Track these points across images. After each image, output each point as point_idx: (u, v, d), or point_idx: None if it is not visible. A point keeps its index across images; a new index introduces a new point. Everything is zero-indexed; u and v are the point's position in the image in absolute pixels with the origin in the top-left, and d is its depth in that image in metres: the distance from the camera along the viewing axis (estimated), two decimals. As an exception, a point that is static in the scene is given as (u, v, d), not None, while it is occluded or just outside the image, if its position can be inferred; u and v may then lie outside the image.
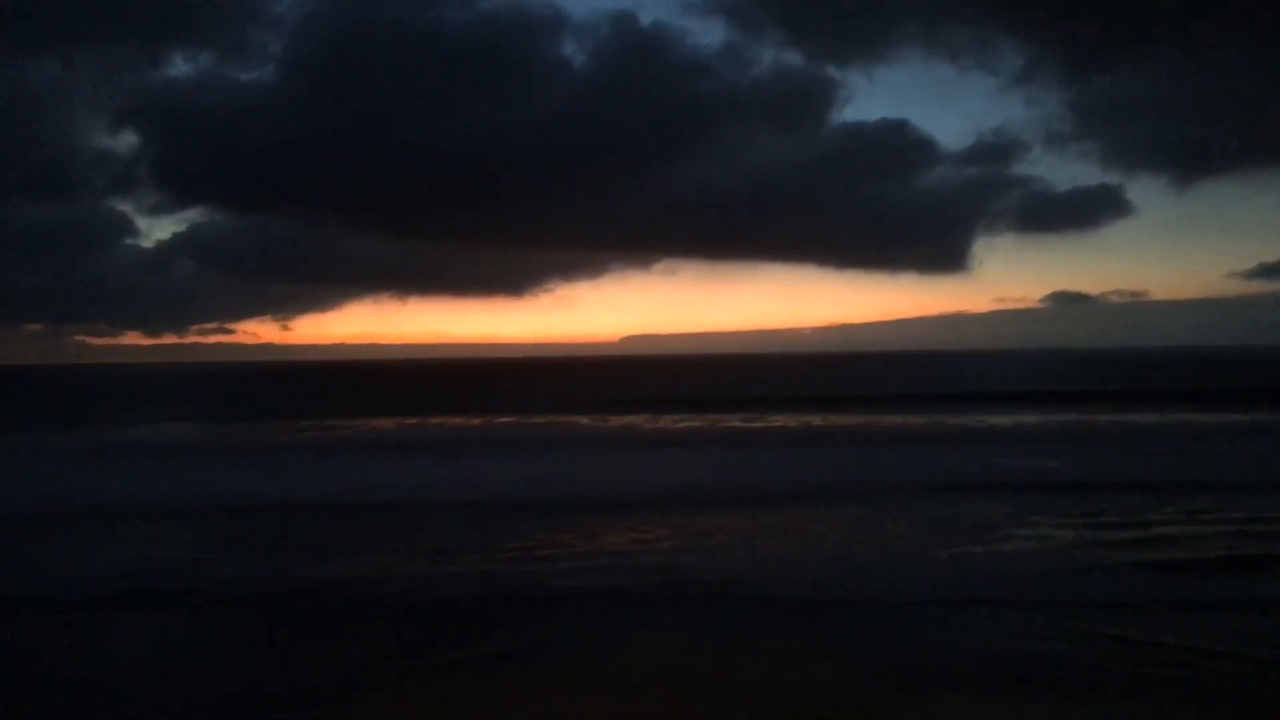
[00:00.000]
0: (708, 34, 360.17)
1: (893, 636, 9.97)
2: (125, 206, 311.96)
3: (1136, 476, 20.74)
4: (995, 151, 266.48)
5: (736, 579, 12.30)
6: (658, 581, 12.29)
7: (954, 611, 10.72)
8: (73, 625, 10.94)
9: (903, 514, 16.76)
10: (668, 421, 40.38)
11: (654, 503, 18.27)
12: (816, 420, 39.34)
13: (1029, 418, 38.90)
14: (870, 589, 11.73)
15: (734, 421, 39.99)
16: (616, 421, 40.62)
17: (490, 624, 10.65)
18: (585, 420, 41.63)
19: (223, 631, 10.73)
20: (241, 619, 11.14)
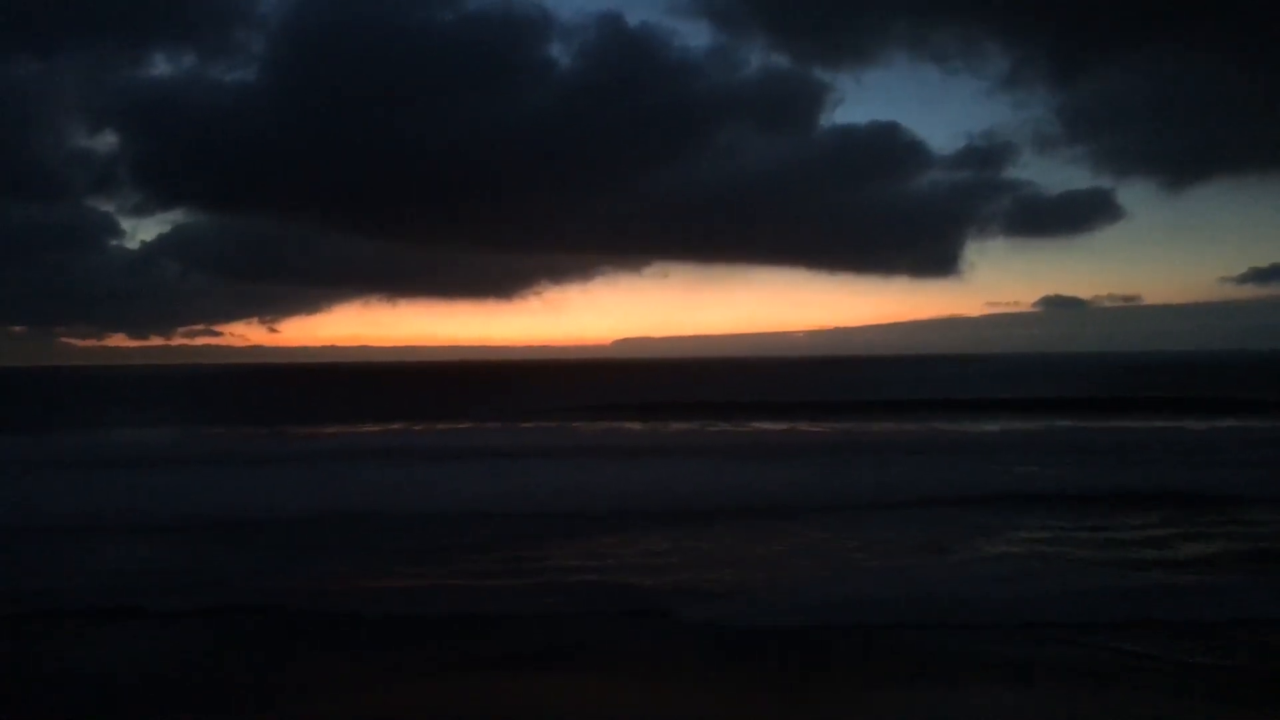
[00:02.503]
0: (695, 35, 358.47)
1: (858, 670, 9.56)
2: (108, 207, 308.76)
3: (1132, 487, 20.36)
4: (985, 155, 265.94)
5: (695, 600, 11.75)
6: (604, 599, 11.87)
7: (929, 636, 10.32)
8: (32, 639, 10.54)
9: (890, 530, 16.40)
10: (658, 426, 39.96)
11: (635, 515, 17.81)
12: (808, 426, 38.95)
13: (1022, 424, 38.58)
14: (843, 613, 11.24)
15: (726, 427, 39.60)
16: (605, 427, 40.18)
17: (425, 643, 10.24)
18: (574, 425, 41.16)
19: (177, 645, 10.35)
20: (195, 632, 10.75)
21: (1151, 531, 15.87)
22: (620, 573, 13.25)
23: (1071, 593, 11.84)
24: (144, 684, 9.19)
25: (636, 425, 40.86)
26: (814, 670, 9.39)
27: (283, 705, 8.53)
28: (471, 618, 11.20)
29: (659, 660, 9.70)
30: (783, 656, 9.74)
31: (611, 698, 8.66)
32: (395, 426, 41.65)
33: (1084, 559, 13.87)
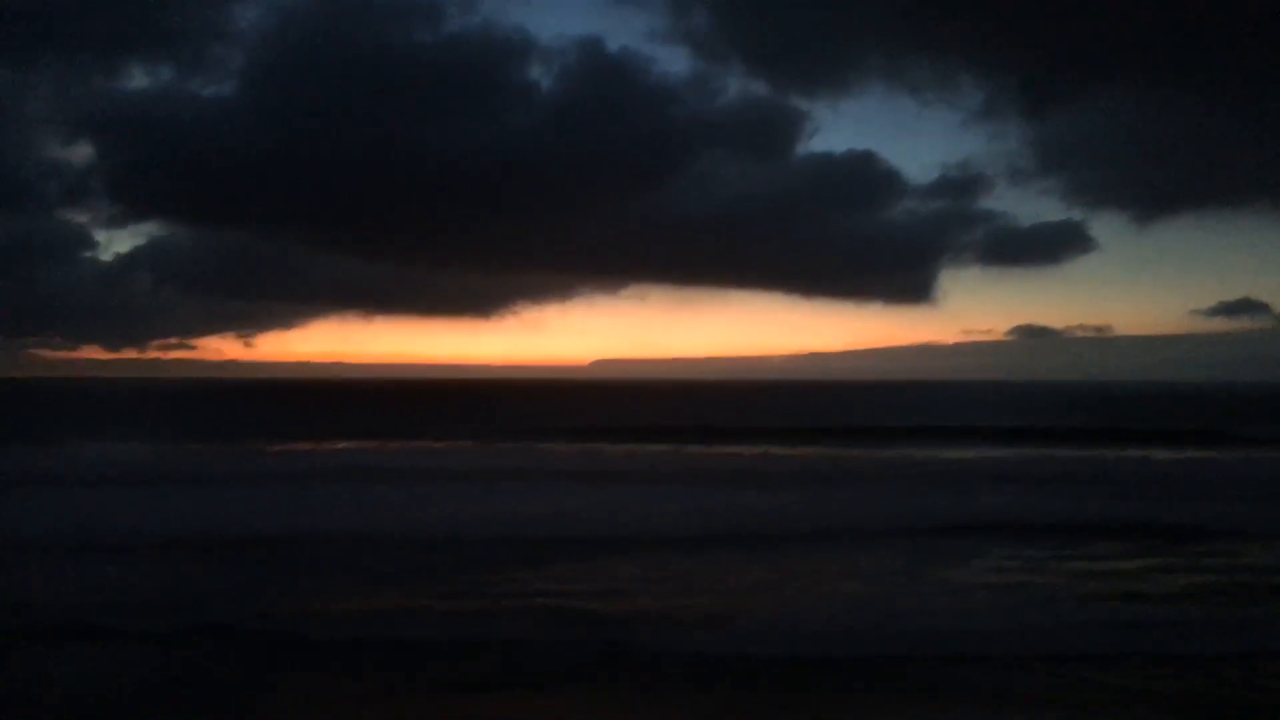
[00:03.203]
0: (674, 62, 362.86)
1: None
2: (82, 218, 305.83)
3: (1102, 517, 20.56)
4: (960, 185, 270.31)
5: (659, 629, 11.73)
6: (567, 626, 11.80)
7: (906, 667, 10.36)
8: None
9: (865, 558, 16.46)
10: (633, 449, 39.93)
11: (607, 541, 17.74)
12: (783, 451, 39.08)
13: (994, 452, 38.88)
14: (816, 643, 11.26)
15: (701, 451, 39.65)
16: (579, 449, 40.11)
17: (391, 667, 10.15)
18: (549, 447, 41.07)
19: (146, 666, 10.18)
20: (164, 653, 10.60)
21: (1122, 563, 16.03)
22: (589, 599, 13.17)
23: (1047, 624, 11.95)
24: (112, 705, 9.07)
25: (611, 448, 40.80)
26: (787, 701, 9.39)
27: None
28: (437, 643, 11.11)
29: (623, 689, 9.65)
30: (753, 686, 9.72)
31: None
32: (369, 445, 41.38)
33: (1058, 589, 13.97)
